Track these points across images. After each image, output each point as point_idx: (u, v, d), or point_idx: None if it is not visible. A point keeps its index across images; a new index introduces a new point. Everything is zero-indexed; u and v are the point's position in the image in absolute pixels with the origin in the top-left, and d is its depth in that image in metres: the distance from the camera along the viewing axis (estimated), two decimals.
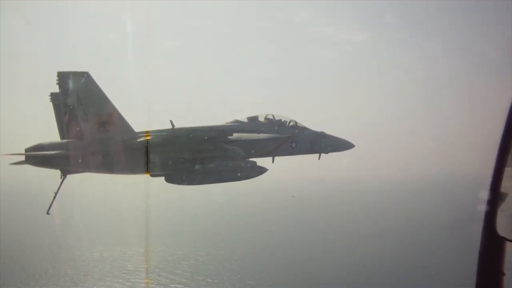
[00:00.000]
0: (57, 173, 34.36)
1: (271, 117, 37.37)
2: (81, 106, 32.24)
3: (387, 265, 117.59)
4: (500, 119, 6.92)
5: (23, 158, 34.43)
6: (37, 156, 33.71)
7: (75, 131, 33.36)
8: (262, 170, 35.92)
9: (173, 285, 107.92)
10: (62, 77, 32.27)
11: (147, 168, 32.83)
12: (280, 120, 37.34)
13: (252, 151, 35.57)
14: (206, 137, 34.05)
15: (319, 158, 37.14)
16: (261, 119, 37.27)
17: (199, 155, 34.57)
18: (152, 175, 34.78)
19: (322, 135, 37.36)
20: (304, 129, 37.27)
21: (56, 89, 32.98)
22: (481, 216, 7.16)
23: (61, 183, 34.31)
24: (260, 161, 36.21)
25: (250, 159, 35.67)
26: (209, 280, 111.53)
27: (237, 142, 34.92)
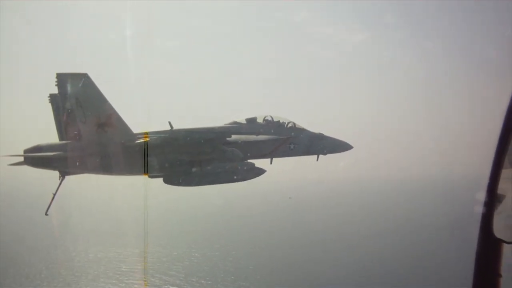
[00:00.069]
0: (55, 174, 34.42)
1: (269, 118, 37.30)
2: (79, 107, 32.23)
3: (387, 265, 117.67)
4: (499, 119, 6.95)
5: (22, 159, 34.44)
6: (35, 157, 33.75)
7: (73, 133, 33.33)
8: (260, 172, 35.91)
9: (166, 287, 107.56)
10: (61, 78, 32.22)
11: (145, 169, 32.87)
12: (279, 121, 37.27)
13: (250, 153, 35.57)
14: (204, 139, 34.04)
15: (317, 160, 37.21)
16: (260, 120, 37.22)
17: (197, 157, 34.53)
18: (150, 177, 34.85)
19: (320, 137, 37.29)
20: (303, 130, 37.24)
21: (55, 90, 32.99)
22: (479, 217, 7.20)
23: (60, 184, 34.34)
24: (258, 163, 36.24)
25: (248, 161, 35.68)
26: (203, 281, 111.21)
27: (236, 143, 34.85)
